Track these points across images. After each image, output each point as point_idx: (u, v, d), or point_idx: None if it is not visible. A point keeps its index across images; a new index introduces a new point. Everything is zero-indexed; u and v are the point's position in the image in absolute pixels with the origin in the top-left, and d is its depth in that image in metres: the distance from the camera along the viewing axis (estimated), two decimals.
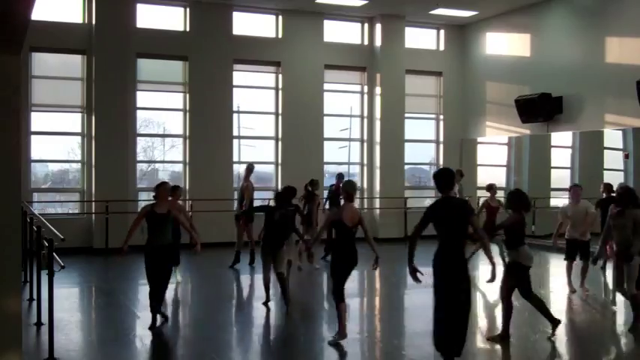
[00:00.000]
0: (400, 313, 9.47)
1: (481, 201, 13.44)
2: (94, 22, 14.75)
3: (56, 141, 15.44)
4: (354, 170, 18.05)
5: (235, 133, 16.51)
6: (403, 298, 10.74)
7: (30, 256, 9.46)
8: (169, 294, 10.46)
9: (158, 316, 8.02)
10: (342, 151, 18.05)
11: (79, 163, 15.36)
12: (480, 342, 7.74)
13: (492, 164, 18.17)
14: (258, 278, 9.98)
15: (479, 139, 18.24)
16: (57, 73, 15.05)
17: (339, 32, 17.39)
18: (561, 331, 7.89)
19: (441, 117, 18.53)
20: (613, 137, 14.85)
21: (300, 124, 16.74)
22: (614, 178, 14.68)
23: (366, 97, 17.66)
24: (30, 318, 7.96)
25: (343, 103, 17.83)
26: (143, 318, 8.58)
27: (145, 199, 13.94)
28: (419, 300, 10.39)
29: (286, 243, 9.16)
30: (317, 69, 16.95)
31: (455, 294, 5.97)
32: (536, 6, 15.85)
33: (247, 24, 16.43)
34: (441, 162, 18.46)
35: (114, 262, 12.77)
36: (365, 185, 17.59)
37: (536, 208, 15.98)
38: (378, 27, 17.28)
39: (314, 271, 11.99)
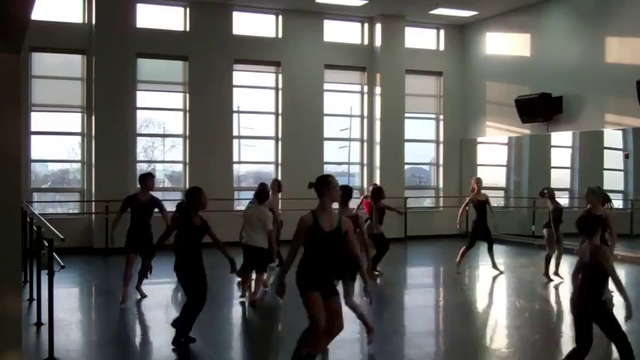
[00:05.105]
0: (400, 313, 9.46)
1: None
2: (94, 22, 14.74)
3: (56, 141, 15.42)
4: (354, 170, 18.06)
5: (235, 133, 16.50)
6: (403, 298, 10.73)
7: (30, 256, 9.46)
8: (170, 295, 10.50)
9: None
10: (342, 151, 18.05)
11: (79, 163, 15.37)
12: (481, 342, 7.75)
13: (492, 164, 18.17)
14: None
15: (479, 139, 18.24)
16: (57, 73, 15.04)
17: (339, 32, 17.38)
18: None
19: (441, 117, 18.53)
20: (613, 137, 14.84)
21: (300, 124, 16.73)
22: (614, 178, 14.71)
23: (366, 97, 17.65)
24: (30, 318, 7.95)
25: (343, 103, 17.82)
26: (143, 318, 8.59)
27: None
28: (419, 300, 10.41)
29: None
30: (317, 69, 16.95)
31: None
32: (536, 6, 15.85)
33: (247, 24, 16.42)
34: (441, 162, 18.49)
35: (114, 262, 12.75)
36: (365, 185, 17.58)
37: (536, 209, 15.99)
38: (378, 27, 17.28)
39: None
